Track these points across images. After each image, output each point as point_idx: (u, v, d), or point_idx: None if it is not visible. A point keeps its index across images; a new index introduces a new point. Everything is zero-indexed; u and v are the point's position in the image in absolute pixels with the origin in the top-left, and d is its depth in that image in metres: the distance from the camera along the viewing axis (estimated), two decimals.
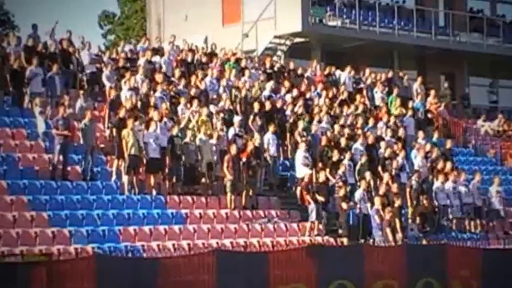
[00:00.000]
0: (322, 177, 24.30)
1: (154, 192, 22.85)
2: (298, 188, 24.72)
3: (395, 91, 31.35)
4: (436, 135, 30.16)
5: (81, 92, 24.81)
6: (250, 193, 24.03)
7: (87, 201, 21.61)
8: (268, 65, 30.95)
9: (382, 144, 27.04)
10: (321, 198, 23.86)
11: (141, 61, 27.61)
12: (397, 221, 23.99)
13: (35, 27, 26.92)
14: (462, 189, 26.94)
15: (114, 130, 23.13)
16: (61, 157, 22.09)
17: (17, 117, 23.94)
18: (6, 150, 22.46)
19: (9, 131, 23.39)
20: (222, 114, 25.63)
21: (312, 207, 23.76)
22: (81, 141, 22.75)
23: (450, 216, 26.58)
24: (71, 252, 19.25)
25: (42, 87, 24.29)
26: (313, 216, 23.73)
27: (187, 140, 23.58)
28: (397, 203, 24.35)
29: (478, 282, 18.63)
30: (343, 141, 26.27)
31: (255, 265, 17.32)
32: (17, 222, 20.07)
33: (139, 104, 24.45)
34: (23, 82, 24.27)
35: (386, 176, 25.28)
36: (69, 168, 22.36)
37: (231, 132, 25.11)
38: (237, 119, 25.46)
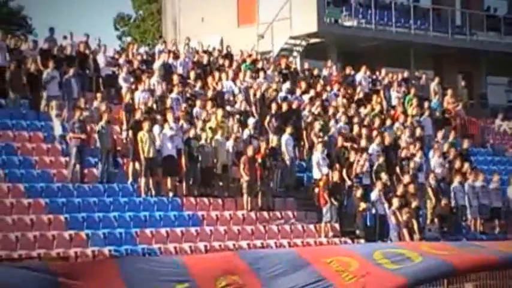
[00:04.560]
0: (338, 177, 24.21)
1: (170, 194, 22.84)
2: (316, 189, 24.65)
3: (412, 91, 31.22)
4: (453, 135, 29.99)
5: (98, 94, 24.81)
6: (267, 194, 23.99)
7: (103, 204, 21.62)
8: (283, 65, 30.89)
9: (400, 144, 26.91)
10: (336, 199, 23.79)
11: (157, 63, 27.62)
12: (414, 221, 23.89)
13: (52, 31, 26.99)
14: (480, 189, 26.75)
15: (130, 132, 23.14)
16: (78, 160, 22.12)
17: (34, 121, 24.02)
18: (23, 154, 22.54)
19: (26, 134, 23.45)
20: (238, 116, 25.61)
21: (327, 207, 23.69)
22: (98, 144, 22.72)
23: (469, 217, 26.43)
24: (88, 255, 19.27)
25: (59, 90, 24.35)
26: (328, 216, 23.68)
27: (203, 141, 23.56)
28: (414, 203, 24.23)
29: None
30: (360, 142, 26.18)
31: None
32: (34, 225, 20.10)
33: (154, 106, 24.46)
34: (40, 85, 24.34)
35: (406, 178, 25.12)
36: (85, 171, 22.41)
37: (246, 133, 25.08)
38: (251, 121, 25.43)
